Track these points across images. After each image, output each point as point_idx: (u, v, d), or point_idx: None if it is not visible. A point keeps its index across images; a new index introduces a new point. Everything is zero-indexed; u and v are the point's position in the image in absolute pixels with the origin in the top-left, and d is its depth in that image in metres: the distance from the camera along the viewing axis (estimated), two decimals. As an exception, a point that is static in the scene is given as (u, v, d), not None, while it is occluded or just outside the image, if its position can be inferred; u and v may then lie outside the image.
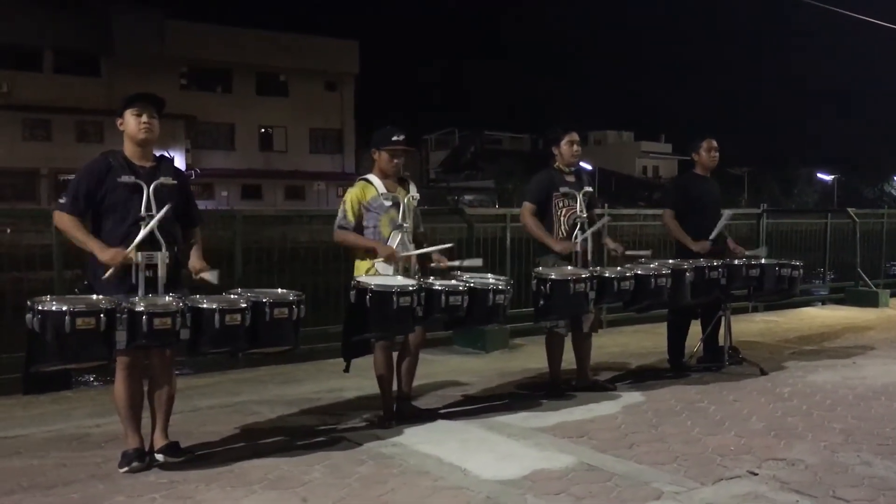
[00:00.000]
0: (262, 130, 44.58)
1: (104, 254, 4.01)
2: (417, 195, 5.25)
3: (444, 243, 5.45)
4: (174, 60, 40.05)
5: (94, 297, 3.96)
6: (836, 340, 8.27)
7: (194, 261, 4.32)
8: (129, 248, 4.04)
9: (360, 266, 5.07)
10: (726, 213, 6.68)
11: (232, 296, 4.27)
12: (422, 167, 59.28)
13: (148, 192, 4.15)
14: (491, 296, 5.04)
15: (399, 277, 4.89)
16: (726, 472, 4.14)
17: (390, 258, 4.94)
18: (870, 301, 11.02)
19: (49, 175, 36.42)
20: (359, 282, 4.73)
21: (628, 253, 6.13)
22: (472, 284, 5.01)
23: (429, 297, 4.82)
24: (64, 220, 4.14)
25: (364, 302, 4.62)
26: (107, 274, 3.99)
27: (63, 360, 3.85)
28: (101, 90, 37.78)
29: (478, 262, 5.42)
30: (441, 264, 5.21)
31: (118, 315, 3.84)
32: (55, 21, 37.09)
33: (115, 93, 34.44)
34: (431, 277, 5.06)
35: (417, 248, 5.18)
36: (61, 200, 4.16)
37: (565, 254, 5.69)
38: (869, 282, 11.45)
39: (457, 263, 5.26)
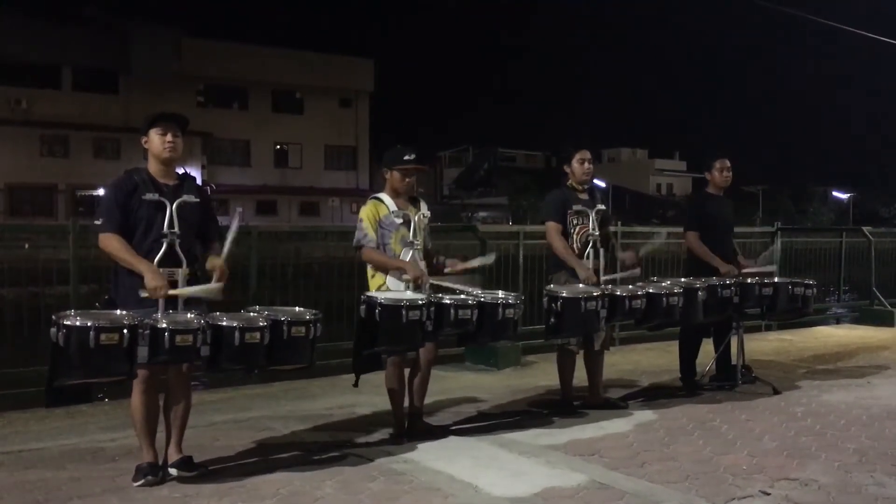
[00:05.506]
0: (278, 147, 44.89)
1: (153, 280, 4.03)
2: (428, 213, 5.30)
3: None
4: (191, 78, 40.45)
5: (117, 312, 3.99)
6: (850, 360, 8.21)
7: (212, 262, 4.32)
8: (174, 292, 4.08)
9: (373, 283, 5.11)
10: (773, 267, 7.03)
11: (251, 314, 4.30)
12: (436, 184, 59.45)
13: (171, 209, 4.20)
14: (501, 310, 5.05)
15: (408, 293, 4.92)
16: (738, 491, 4.13)
17: (418, 280, 4.97)
18: (885, 320, 10.91)
19: (66, 190, 36.81)
20: (369, 296, 4.77)
21: (618, 275, 5.89)
22: (481, 299, 5.03)
23: (438, 312, 4.85)
24: (111, 242, 4.11)
25: (374, 316, 4.65)
26: (144, 294, 4.03)
27: (86, 374, 3.88)
28: (119, 107, 38.29)
29: (489, 259, 5.46)
30: (455, 268, 5.26)
31: (140, 331, 3.87)
32: (74, 39, 37.61)
33: (133, 110, 34.91)
34: (441, 293, 5.08)
35: (428, 264, 5.22)
36: (98, 222, 4.16)
37: (589, 283, 5.60)
38: (884, 301, 11.35)
39: (470, 265, 5.32)
